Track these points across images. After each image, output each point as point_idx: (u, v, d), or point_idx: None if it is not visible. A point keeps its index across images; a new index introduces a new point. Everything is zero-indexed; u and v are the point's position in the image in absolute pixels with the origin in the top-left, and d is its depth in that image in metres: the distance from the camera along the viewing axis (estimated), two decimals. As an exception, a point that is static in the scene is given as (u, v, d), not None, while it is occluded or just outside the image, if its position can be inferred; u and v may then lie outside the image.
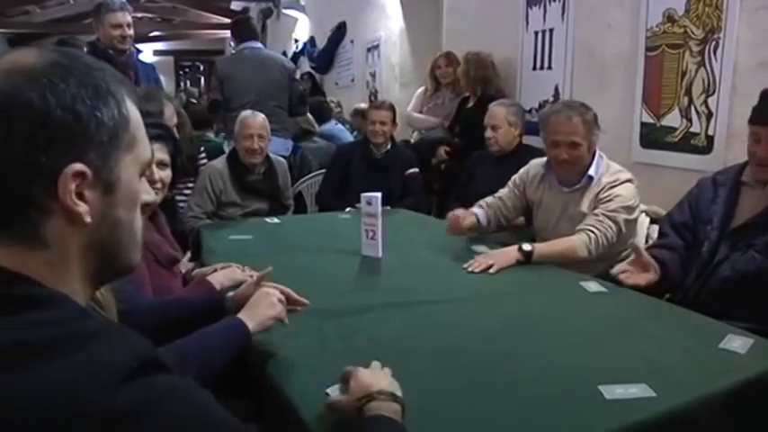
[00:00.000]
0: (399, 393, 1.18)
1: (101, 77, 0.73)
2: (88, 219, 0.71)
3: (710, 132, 2.91)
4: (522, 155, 3.40)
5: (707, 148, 2.93)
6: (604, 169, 2.62)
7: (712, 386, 1.40)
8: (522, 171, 2.93)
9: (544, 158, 2.80)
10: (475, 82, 4.25)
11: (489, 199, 2.92)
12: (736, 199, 2.24)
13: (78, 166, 0.69)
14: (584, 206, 2.60)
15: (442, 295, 2.06)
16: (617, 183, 2.54)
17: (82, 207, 0.70)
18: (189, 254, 2.85)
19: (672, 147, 3.12)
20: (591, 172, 2.60)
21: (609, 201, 2.51)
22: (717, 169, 2.54)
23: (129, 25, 3.72)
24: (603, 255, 2.50)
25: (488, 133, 3.46)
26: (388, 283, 2.30)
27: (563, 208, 2.71)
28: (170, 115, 2.61)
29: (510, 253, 2.39)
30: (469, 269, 2.31)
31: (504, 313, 1.90)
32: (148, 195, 0.86)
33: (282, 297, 1.61)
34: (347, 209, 3.61)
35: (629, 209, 2.52)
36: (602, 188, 2.56)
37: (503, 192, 2.93)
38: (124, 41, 3.70)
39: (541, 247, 2.44)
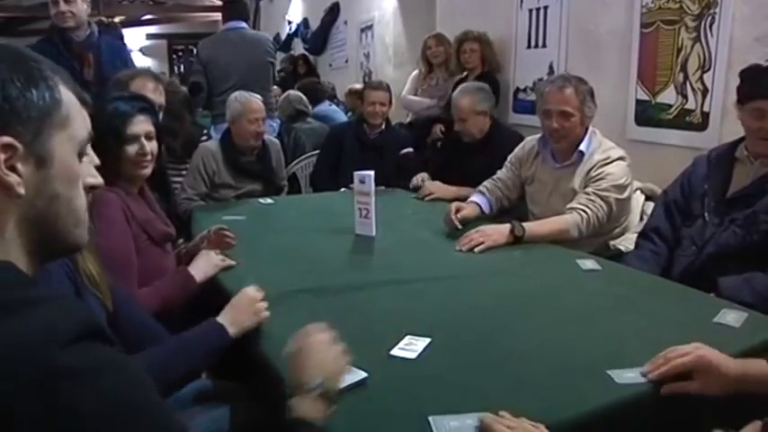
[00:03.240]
0: (337, 381, 1.16)
1: (35, 67, 0.79)
2: (21, 190, 0.76)
3: (706, 109, 2.90)
4: (494, 141, 3.33)
5: (702, 124, 2.92)
6: (596, 146, 2.60)
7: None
8: (517, 148, 2.91)
9: (539, 134, 2.78)
10: (491, 60, 4.27)
11: (488, 183, 2.90)
12: (728, 175, 2.23)
13: (6, 139, 0.74)
14: (576, 183, 2.58)
15: (435, 273, 2.04)
16: (608, 161, 2.52)
17: (13, 178, 0.75)
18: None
19: (667, 124, 3.10)
20: (582, 148, 2.58)
21: (600, 179, 2.49)
22: (712, 146, 2.53)
23: (67, 0, 3.30)
24: (594, 233, 2.50)
25: (457, 126, 3.36)
26: (382, 261, 2.29)
27: (555, 184, 2.70)
28: (144, 87, 2.55)
29: (502, 232, 2.36)
30: (457, 247, 2.30)
31: (498, 290, 1.89)
32: (94, 179, 0.91)
33: (262, 297, 1.63)
34: (341, 189, 3.60)
35: (621, 188, 2.50)
36: (594, 165, 2.54)
37: (501, 172, 2.91)
38: (63, 19, 3.31)
39: (532, 228, 2.42)
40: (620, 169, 2.52)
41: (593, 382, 1.30)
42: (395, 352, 1.43)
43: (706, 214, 2.22)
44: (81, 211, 0.85)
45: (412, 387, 1.29)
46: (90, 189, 0.89)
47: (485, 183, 2.91)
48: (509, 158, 2.91)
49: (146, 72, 2.89)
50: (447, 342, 1.49)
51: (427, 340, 1.48)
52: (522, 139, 3.10)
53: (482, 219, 2.72)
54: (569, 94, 2.54)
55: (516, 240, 2.34)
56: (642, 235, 2.39)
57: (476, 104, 3.29)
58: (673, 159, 2.86)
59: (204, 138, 3.82)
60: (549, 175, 2.73)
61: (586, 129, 2.60)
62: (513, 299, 1.82)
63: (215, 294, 1.92)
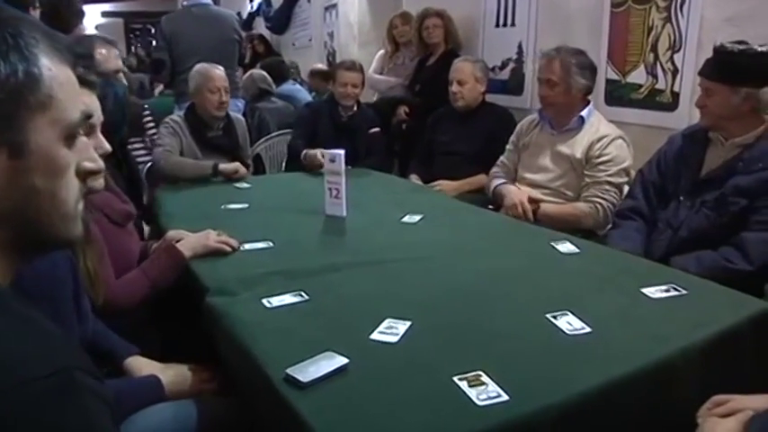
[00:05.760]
0: None
1: (11, 33, 0.67)
2: None
3: (676, 89, 2.90)
4: (485, 112, 3.41)
5: (672, 104, 2.92)
6: (597, 119, 2.75)
7: (690, 338, 1.38)
8: (516, 127, 3.05)
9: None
10: (455, 36, 4.20)
11: (496, 168, 3.04)
12: (702, 156, 2.24)
13: None
14: (577, 151, 2.69)
15: (410, 253, 1.99)
16: (614, 138, 2.65)
17: None
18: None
19: (637, 104, 3.10)
20: (583, 114, 2.72)
21: (608, 161, 2.62)
22: (682, 126, 2.56)
23: None
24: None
25: (455, 88, 3.41)
26: (355, 241, 2.23)
27: (551, 147, 2.81)
28: (106, 58, 2.41)
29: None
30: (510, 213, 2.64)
31: (474, 270, 1.84)
32: (91, 163, 0.78)
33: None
34: (303, 152, 3.55)
35: (627, 171, 2.63)
36: (598, 138, 2.65)
37: (505, 156, 3.05)
38: None
39: (546, 206, 2.64)
40: (623, 151, 2.66)
41: (580, 362, 1.27)
42: (375, 336, 1.38)
43: (681, 197, 2.22)
44: (69, 204, 0.73)
45: (395, 372, 1.23)
46: (88, 175, 0.77)
47: (493, 169, 3.05)
48: (510, 140, 3.04)
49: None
50: (428, 324, 1.44)
51: (408, 323, 1.43)
52: (511, 116, 3.40)
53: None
54: (555, 63, 2.72)
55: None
56: (620, 215, 2.40)
57: (476, 70, 3.43)
58: (643, 139, 2.86)
59: (147, 113, 3.70)
60: (546, 139, 2.85)
61: (587, 101, 2.78)
62: (493, 278, 1.78)
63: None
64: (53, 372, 0.60)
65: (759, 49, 2.04)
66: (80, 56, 2.25)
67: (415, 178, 3.52)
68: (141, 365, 1.55)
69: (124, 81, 2.51)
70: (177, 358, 1.62)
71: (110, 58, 2.41)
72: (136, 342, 1.63)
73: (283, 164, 4.28)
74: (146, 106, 3.79)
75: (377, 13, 6.04)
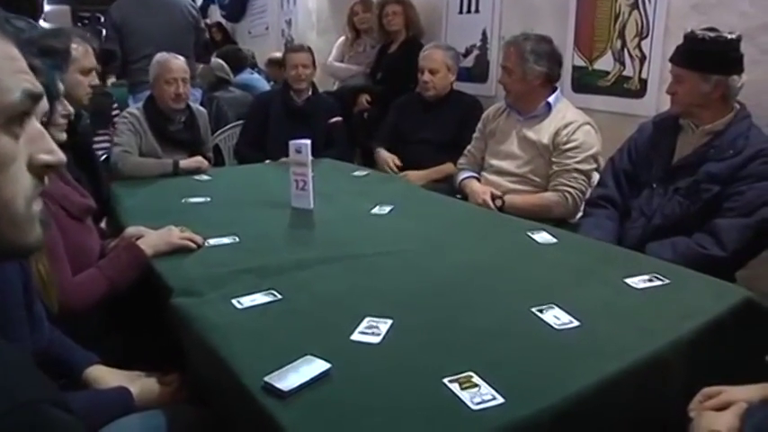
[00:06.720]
0: None
1: None
2: None
3: (644, 76, 2.89)
4: (453, 101, 3.36)
5: (640, 91, 2.91)
6: (564, 105, 2.72)
7: (679, 330, 1.35)
8: (483, 115, 3.01)
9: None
10: (416, 23, 4.12)
11: (462, 160, 3.01)
12: (673, 143, 2.23)
13: None
14: (544, 137, 2.66)
15: (383, 246, 1.92)
16: (581, 124, 2.62)
17: None
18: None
19: (604, 91, 3.08)
20: (550, 100, 2.69)
21: (575, 148, 2.59)
22: (650, 113, 2.56)
23: None
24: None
25: (426, 77, 3.33)
26: (324, 236, 2.15)
27: (518, 133, 2.78)
28: (82, 54, 2.27)
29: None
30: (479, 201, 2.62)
31: (452, 263, 1.78)
32: (49, 155, 0.66)
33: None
34: (266, 161, 3.44)
35: (596, 157, 2.62)
36: (565, 125, 2.61)
37: (471, 145, 3.01)
38: None
39: (513, 198, 2.63)
40: (591, 137, 2.64)
41: (572, 359, 1.22)
42: (356, 337, 1.30)
43: (653, 184, 2.21)
44: (18, 204, 0.63)
45: (381, 376, 1.16)
46: (45, 169, 0.66)
47: (460, 160, 3.02)
48: (477, 128, 3.00)
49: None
50: (411, 322, 1.37)
51: (389, 321, 1.36)
52: (479, 104, 3.36)
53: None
54: (510, 51, 2.74)
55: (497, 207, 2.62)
56: (591, 203, 2.37)
57: (448, 59, 3.35)
58: (610, 126, 2.85)
59: (115, 107, 3.54)
60: (513, 125, 2.82)
61: (554, 88, 2.77)
62: (472, 271, 1.72)
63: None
64: (14, 407, 0.52)
65: (729, 36, 2.04)
66: (56, 51, 2.09)
67: (383, 152, 3.47)
68: (104, 375, 1.44)
69: (96, 80, 2.34)
70: (140, 364, 1.52)
71: (87, 54, 2.25)
72: (95, 348, 1.52)
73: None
74: (114, 98, 3.63)
75: (336, 0, 5.92)
